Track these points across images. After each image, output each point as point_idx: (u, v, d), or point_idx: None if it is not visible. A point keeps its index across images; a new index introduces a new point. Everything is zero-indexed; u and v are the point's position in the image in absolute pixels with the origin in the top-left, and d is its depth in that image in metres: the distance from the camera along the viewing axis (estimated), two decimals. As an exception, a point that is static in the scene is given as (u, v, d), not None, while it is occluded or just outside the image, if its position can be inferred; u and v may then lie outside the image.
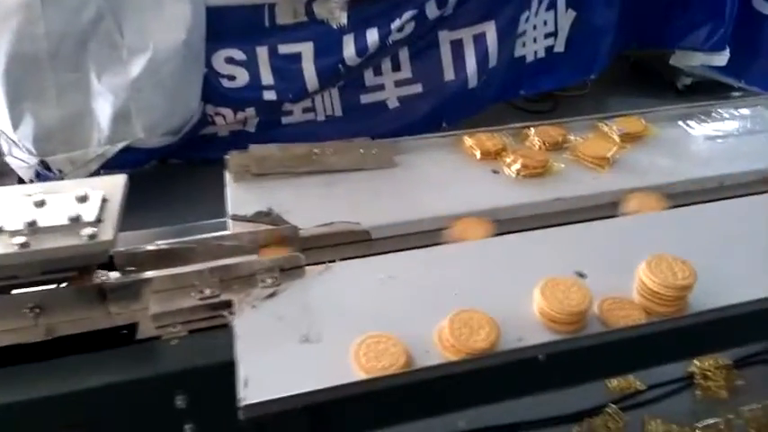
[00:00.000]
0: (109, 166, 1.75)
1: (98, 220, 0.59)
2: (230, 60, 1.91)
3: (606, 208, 0.78)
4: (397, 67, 2.07)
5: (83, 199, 0.61)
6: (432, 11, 1.97)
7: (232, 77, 1.92)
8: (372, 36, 1.93)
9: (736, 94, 2.49)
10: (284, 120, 2.07)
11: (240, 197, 0.76)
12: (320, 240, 0.70)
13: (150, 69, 1.68)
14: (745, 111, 1.02)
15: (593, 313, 0.58)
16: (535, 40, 2.17)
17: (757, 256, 0.66)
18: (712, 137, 0.94)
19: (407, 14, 1.93)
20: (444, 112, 2.10)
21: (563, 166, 0.84)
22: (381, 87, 2.09)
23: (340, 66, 1.95)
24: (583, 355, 0.55)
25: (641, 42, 2.32)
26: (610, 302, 0.60)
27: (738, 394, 1.34)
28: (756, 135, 0.95)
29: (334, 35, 1.94)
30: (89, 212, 0.60)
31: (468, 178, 0.81)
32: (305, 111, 2.08)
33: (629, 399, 1.32)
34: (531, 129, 0.91)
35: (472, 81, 2.08)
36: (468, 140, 0.87)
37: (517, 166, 0.82)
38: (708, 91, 2.52)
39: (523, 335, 0.56)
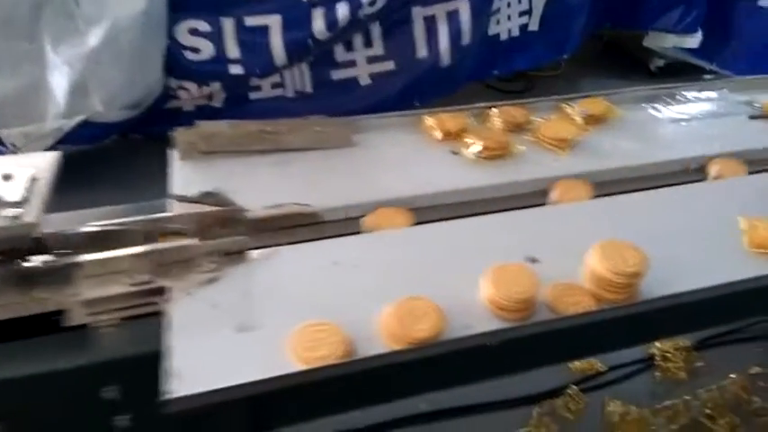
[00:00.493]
0: (66, 141, 1.68)
1: (23, 201, 0.56)
2: (194, 32, 1.84)
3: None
4: (368, 43, 2.02)
5: (7, 177, 0.57)
6: (402, -15, 1.92)
7: (196, 50, 1.85)
8: (342, 10, 1.87)
9: (708, 76, 2.51)
10: (252, 95, 2.02)
11: (186, 176, 0.73)
12: (269, 223, 0.67)
13: (108, 40, 1.60)
14: (710, 93, 1.01)
15: (543, 300, 0.57)
16: (509, 18, 2.13)
17: (711, 243, 0.65)
18: (677, 119, 0.93)
19: (376, -11, 1.87)
20: (417, 90, 2.06)
21: (524, 148, 0.82)
22: (353, 64, 2.05)
23: (309, 40, 1.89)
24: (530, 343, 0.54)
25: (615, 22, 2.31)
26: (560, 289, 0.58)
27: (698, 376, 1.36)
28: (721, 118, 0.94)
29: (303, 8, 1.88)
30: (13, 192, 0.56)
31: (426, 159, 0.79)
32: (274, 86, 2.03)
33: (591, 380, 1.33)
34: (494, 109, 0.88)
35: (445, 59, 2.04)
36: (428, 120, 0.84)
37: (477, 147, 0.79)
38: (680, 73, 2.53)
39: (471, 323, 0.54)
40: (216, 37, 1.86)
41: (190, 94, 1.92)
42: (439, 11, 2.02)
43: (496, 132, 0.84)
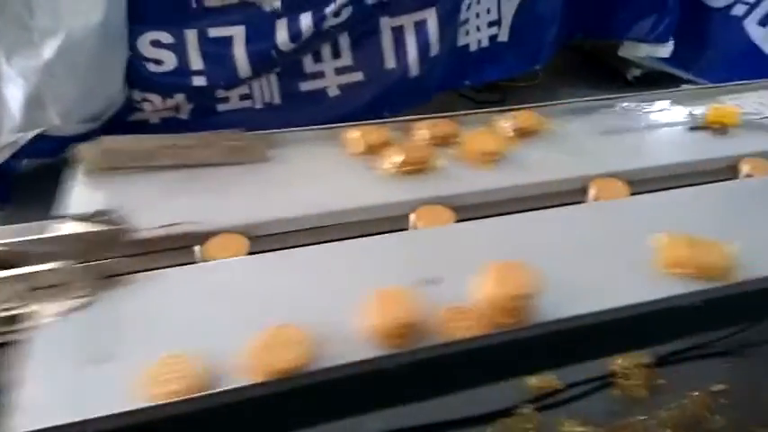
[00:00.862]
0: (22, 155, 1.66)
1: None
2: (157, 44, 1.82)
3: (483, 207, 0.74)
4: (336, 54, 2.01)
5: None
6: (370, -3, 1.90)
7: (159, 62, 1.83)
8: (306, 21, 1.86)
9: (686, 86, 2.49)
10: (220, 107, 2.00)
11: (84, 194, 0.70)
12: (157, 244, 0.64)
13: (64, 52, 1.58)
14: (656, 104, 0.98)
15: (431, 324, 0.54)
16: (478, 29, 2.11)
17: (619, 262, 0.62)
18: (611, 132, 0.90)
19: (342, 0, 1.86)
20: (386, 101, 2.04)
21: (446, 162, 0.79)
22: (321, 75, 2.03)
23: (273, 51, 1.87)
24: (411, 372, 0.50)
25: (587, 32, 2.29)
26: (451, 313, 0.55)
27: (659, 393, 1.33)
28: (658, 130, 0.92)
29: (267, 19, 1.86)
30: None
31: (340, 175, 0.76)
32: (242, 98, 2.01)
33: (547, 398, 1.29)
34: (420, 122, 0.86)
35: (414, 69, 2.02)
36: (349, 134, 0.81)
37: (395, 161, 0.76)
38: (658, 82, 2.51)
39: (346, 351, 0.51)
40: (179, 48, 1.85)
41: (154, 106, 1.90)
42: (407, 21, 2.00)
43: (419, 146, 0.81)
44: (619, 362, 1.35)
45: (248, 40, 1.88)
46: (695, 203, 0.72)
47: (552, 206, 0.73)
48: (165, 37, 1.83)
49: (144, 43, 1.81)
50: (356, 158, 0.79)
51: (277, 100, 2.03)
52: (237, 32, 1.88)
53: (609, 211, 0.71)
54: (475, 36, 2.13)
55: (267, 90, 2.02)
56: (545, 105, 0.93)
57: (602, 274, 0.61)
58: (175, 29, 1.83)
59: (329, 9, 1.86)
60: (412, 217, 0.70)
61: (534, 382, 1.28)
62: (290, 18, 1.86)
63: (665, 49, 2.16)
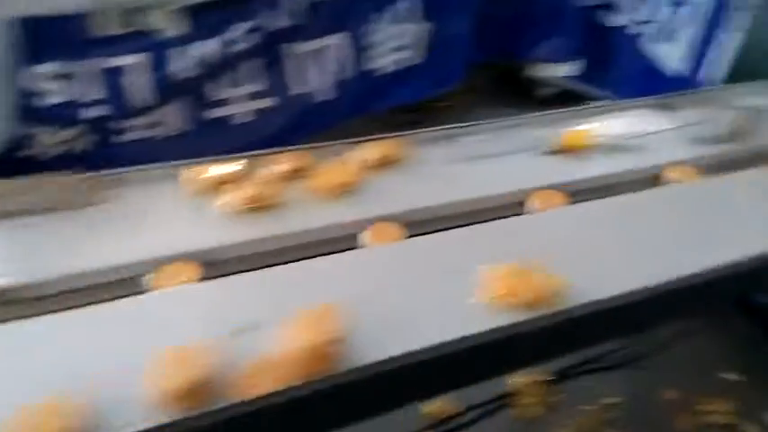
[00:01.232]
0: None
1: None
2: (49, 75, 1.74)
3: (324, 244, 0.72)
4: (243, 80, 1.97)
5: None
6: (274, 22, 1.89)
7: (53, 94, 1.76)
8: (209, 47, 1.82)
9: (597, 103, 2.58)
10: (122, 138, 1.92)
11: None
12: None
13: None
14: (513, 130, 1.00)
15: (230, 381, 0.51)
16: (387, 53, 2.13)
17: (440, 297, 0.62)
18: (467, 159, 0.90)
19: (246, 25, 1.84)
20: (295, 128, 2.02)
21: (293, 197, 0.77)
22: (227, 102, 1.99)
23: (176, 79, 1.83)
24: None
25: (496, 54, 2.35)
26: (257, 365, 0.53)
27: (556, 410, 1.34)
28: (507, 157, 0.93)
29: (169, 46, 1.81)
30: None
31: (174, 216, 0.73)
32: (146, 127, 1.95)
33: (447, 423, 1.28)
34: (276, 156, 0.84)
35: (323, 95, 2.01)
36: (190, 172, 0.79)
37: (236, 200, 0.74)
38: (570, 100, 2.59)
39: (132, 418, 0.47)
40: (74, 80, 1.77)
41: (48, 140, 1.81)
42: (314, 47, 2.00)
43: (263, 182, 0.79)
44: (515, 381, 1.36)
45: (149, 68, 1.82)
46: (524, 232, 0.72)
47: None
48: (59, 68, 1.76)
49: (35, 75, 1.73)
50: (196, 197, 0.77)
51: (183, 129, 1.97)
52: (137, 60, 1.83)
53: (434, 245, 0.70)
54: (384, 60, 2.14)
55: (172, 118, 1.97)
56: (408, 134, 0.93)
57: (424, 309, 0.60)
58: (70, 59, 1.76)
59: (233, 35, 1.84)
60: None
61: (430, 408, 1.28)
62: (193, 45, 1.83)
63: (570, 69, 2.24)
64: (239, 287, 0.61)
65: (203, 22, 1.81)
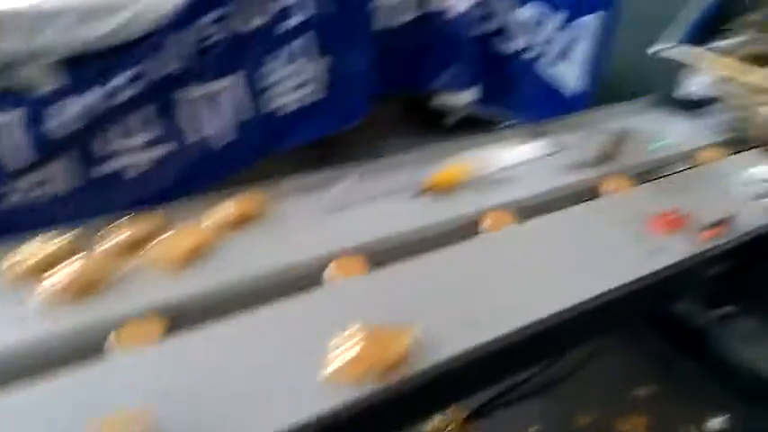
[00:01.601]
0: None
1: None
2: None
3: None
4: (133, 130, 1.87)
5: None
6: (160, 68, 1.81)
7: None
8: (91, 99, 1.72)
9: (503, 127, 2.63)
10: (7, 201, 1.77)
11: None
12: None
13: None
14: (389, 172, 0.97)
15: None
16: (288, 91, 2.09)
17: (282, 377, 0.56)
18: (331, 208, 0.86)
19: (129, 73, 1.75)
20: (194, 176, 1.93)
21: (128, 274, 0.69)
22: (119, 154, 1.88)
23: (57, 135, 1.70)
24: None
25: (398, 86, 2.36)
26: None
27: (476, 447, 1.29)
28: (381, 201, 0.89)
29: (47, 101, 1.70)
30: None
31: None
32: (30, 188, 1.80)
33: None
34: (113, 226, 0.76)
35: (220, 141, 1.94)
36: (10, 255, 0.70)
37: (56, 284, 0.65)
38: (477, 126, 2.63)
39: None
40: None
41: None
42: (206, 92, 1.93)
43: (94, 260, 0.70)
44: (434, 423, 1.31)
45: (26, 126, 1.70)
46: (377, 290, 0.68)
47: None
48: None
49: None
50: (15, 283, 0.68)
51: (71, 186, 1.84)
52: (12, 118, 1.70)
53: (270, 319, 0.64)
54: (284, 99, 2.10)
55: (59, 177, 1.84)
56: (269, 186, 0.87)
57: (265, 391, 0.53)
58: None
59: (116, 85, 1.74)
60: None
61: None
62: (71, 98, 1.71)
63: (470, 95, 2.27)
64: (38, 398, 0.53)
65: (81, 73, 1.71)
